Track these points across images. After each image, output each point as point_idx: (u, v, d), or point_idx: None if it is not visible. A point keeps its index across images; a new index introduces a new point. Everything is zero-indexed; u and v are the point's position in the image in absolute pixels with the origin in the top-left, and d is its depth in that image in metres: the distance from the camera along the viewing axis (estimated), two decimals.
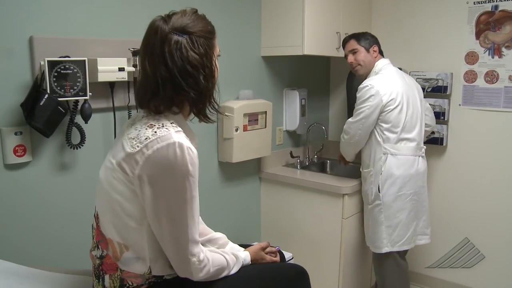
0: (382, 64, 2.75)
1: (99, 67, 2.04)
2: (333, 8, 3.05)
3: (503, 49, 2.94)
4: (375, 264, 2.90)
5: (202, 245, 1.49)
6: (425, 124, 2.83)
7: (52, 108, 1.89)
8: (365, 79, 2.73)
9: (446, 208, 3.25)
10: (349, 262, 2.94)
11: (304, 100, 3.36)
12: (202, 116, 1.48)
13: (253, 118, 2.92)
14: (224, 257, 1.54)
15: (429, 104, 3.04)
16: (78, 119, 2.08)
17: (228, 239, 1.83)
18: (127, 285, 1.45)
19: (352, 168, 3.27)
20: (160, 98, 1.38)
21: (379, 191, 2.66)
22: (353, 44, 2.79)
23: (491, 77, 3.00)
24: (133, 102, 2.28)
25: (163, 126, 1.36)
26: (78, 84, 1.98)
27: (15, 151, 1.93)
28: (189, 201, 1.36)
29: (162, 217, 1.35)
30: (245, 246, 1.80)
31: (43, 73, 1.89)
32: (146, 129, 1.36)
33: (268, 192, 3.23)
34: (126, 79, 2.16)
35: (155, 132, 1.34)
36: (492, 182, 3.06)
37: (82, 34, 2.12)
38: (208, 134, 2.81)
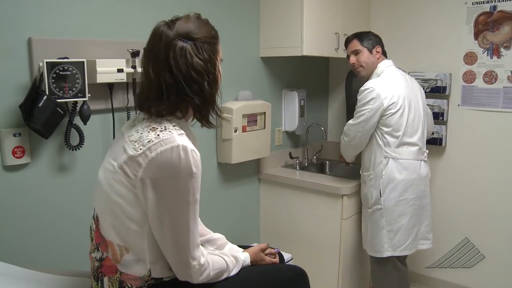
0: (385, 65, 2.71)
1: (98, 68, 2.04)
2: (332, 9, 3.05)
3: (502, 49, 2.94)
4: (373, 269, 2.86)
5: (201, 245, 1.49)
6: None
7: (51, 110, 1.89)
8: (367, 80, 2.70)
9: (446, 208, 3.25)
10: (348, 263, 2.94)
11: (303, 101, 3.36)
12: (205, 122, 1.49)
13: (252, 119, 2.91)
14: (224, 259, 1.54)
15: (428, 104, 3.04)
16: (77, 120, 2.07)
17: (227, 240, 1.83)
18: (126, 287, 1.45)
19: (351, 169, 3.27)
20: (163, 103, 1.38)
21: (380, 195, 2.63)
22: (355, 44, 2.76)
23: (490, 77, 3.00)
24: (132, 103, 2.28)
25: (165, 129, 1.36)
26: (77, 85, 1.97)
27: (13, 153, 1.93)
28: (191, 203, 1.36)
29: (164, 220, 1.35)
30: (244, 247, 1.80)
31: (41, 74, 1.89)
32: (149, 132, 1.36)
33: (267, 193, 3.23)
34: (125, 80, 2.16)
35: (158, 135, 1.34)
36: (492, 182, 3.06)
37: (81, 35, 2.11)
38: (207, 135, 2.80)
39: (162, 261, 1.45)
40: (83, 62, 1.99)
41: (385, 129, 2.60)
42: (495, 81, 2.98)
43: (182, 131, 1.38)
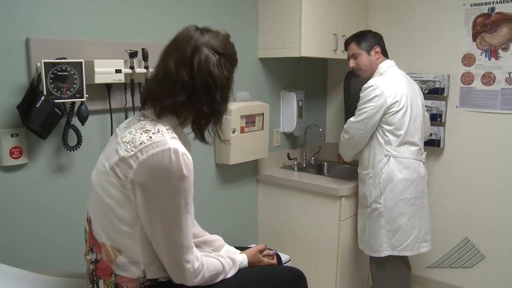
0: (387, 65, 2.70)
1: (96, 69, 2.04)
2: (330, 10, 3.05)
3: (500, 51, 2.95)
4: (373, 269, 2.85)
5: (198, 247, 1.49)
6: None
7: (48, 110, 1.88)
8: (368, 80, 2.68)
9: (445, 209, 3.25)
10: (346, 264, 2.94)
11: (301, 102, 3.36)
12: (199, 134, 1.52)
13: (250, 120, 2.91)
14: (220, 261, 1.54)
15: (426, 105, 3.04)
16: (75, 121, 2.07)
17: (225, 241, 1.83)
18: None
19: (349, 170, 3.27)
20: (171, 99, 1.40)
21: (380, 194, 2.62)
22: (353, 48, 2.73)
23: (488, 79, 3.00)
24: (129, 104, 2.28)
25: (158, 132, 1.36)
26: (74, 86, 1.97)
27: (11, 153, 1.92)
28: (183, 207, 1.36)
29: (156, 223, 1.35)
30: (242, 248, 1.80)
31: (39, 75, 1.88)
32: (141, 133, 1.36)
33: (265, 194, 3.22)
34: (123, 81, 2.15)
35: (150, 137, 1.34)
36: (491, 183, 3.06)
37: (79, 35, 2.11)
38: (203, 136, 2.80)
39: (157, 262, 1.44)
40: (81, 62, 1.99)
41: (387, 127, 2.59)
42: (493, 83, 2.99)
43: (175, 135, 1.39)
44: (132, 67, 2.18)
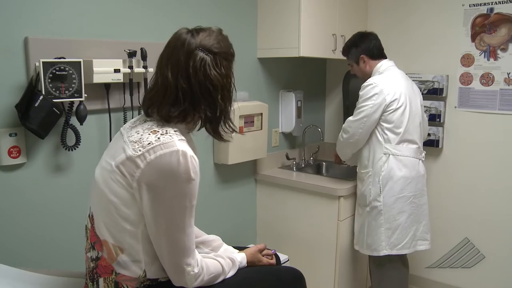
0: (386, 65, 2.71)
1: (94, 69, 2.04)
2: (329, 10, 3.05)
3: (499, 51, 2.95)
4: (372, 269, 2.85)
5: (196, 247, 1.48)
6: None
7: (47, 110, 1.88)
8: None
9: (445, 209, 3.25)
10: (344, 264, 2.94)
11: (300, 102, 3.36)
12: (214, 133, 1.52)
13: (249, 120, 2.91)
14: (220, 262, 1.54)
15: (425, 106, 3.04)
16: (73, 120, 2.07)
17: (224, 241, 1.83)
18: None
19: (348, 170, 3.27)
20: (176, 109, 1.40)
21: (380, 192, 2.62)
22: (347, 59, 2.85)
23: (487, 79, 3.00)
24: (128, 103, 2.28)
25: (166, 133, 1.37)
26: (73, 85, 1.97)
27: (9, 153, 1.92)
28: (188, 209, 1.37)
29: (160, 224, 1.36)
30: (240, 248, 1.80)
31: (38, 74, 1.88)
32: (149, 134, 1.37)
33: (264, 194, 3.22)
34: (122, 80, 2.15)
35: (159, 138, 1.35)
36: (490, 183, 3.07)
37: (78, 35, 2.11)
38: (204, 136, 2.79)
39: (158, 262, 1.45)
40: (80, 62, 1.98)
41: (386, 125, 2.59)
42: (492, 83, 2.99)
43: (183, 137, 1.39)
44: (130, 67, 2.18)
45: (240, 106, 2.81)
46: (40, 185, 2.06)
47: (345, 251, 2.92)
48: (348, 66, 2.89)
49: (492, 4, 2.94)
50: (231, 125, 1.53)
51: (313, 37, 2.95)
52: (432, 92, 3.16)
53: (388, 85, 2.57)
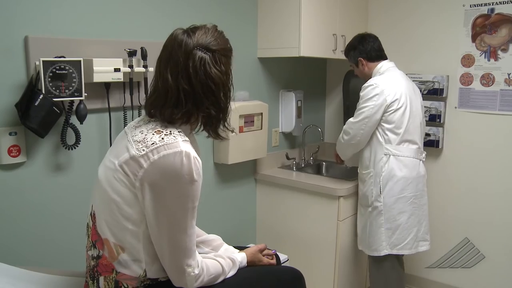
0: (387, 66, 2.72)
1: (94, 68, 2.04)
2: (329, 10, 3.05)
3: (499, 52, 2.95)
4: (371, 269, 2.85)
5: (196, 246, 1.48)
6: None
7: (47, 109, 1.88)
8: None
9: (445, 209, 3.25)
10: (344, 264, 2.94)
11: (300, 102, 3.36)
12: (214, 133, 1.52)
13: (249, 120, 2.91)
14: (220, 263, 1.54)
15: (425, 106, 3.04)
16: (73, 119, 2.07)
17: (224, 240, 1.83)
18: (122, 287, 1.44)
19: (348, 170, 3.27)
20: (180, 111, 1.39)
21: (380, 192, 2.63)
22: (348, 62, 2.88)
23: (487, 80, 3.00)
24: (128, 103, 2.27)
25: (170, 134, 1.37)
26: (73, 84, 1.97)
27: (9, 152, 1.92)
28: (190, 210, 1.37)
29: (161, 224, 1.36)
30: (240, 248, 1.80)
31: (38, 73, 1.88)
32: (153, 134, 1.37)
33: (263, 194, 3.22)
34: (122, 79, 2.15)
35: (163, 138, 1.35)
36: (490, 183, 3.07)
37: (78, 34, 2.11)
38: (204, 135, 2.79)
39: (158, 262, 1.45)
40: (80, 61, 1.98)
41: (387, 125, 2.60)
42: (492, 84, 2.99)
43: (186, 138, 1.39)
44: (131, 66, 2.18)
45: (240, 106, 2.81)
46: (40, 184, 2.06)
47: (345, 251, 2.92)
48: (351, 67, 2.91)
49: (492, 4, 2.93)
50: (228, 123, 1.53)
51: (314, 37, 2.95)
52: (432, 93, 3.16)
53: (389, 85, 2.57)
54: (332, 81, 3.79)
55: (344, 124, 2.75)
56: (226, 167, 2.94)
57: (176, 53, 1.38)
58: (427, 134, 3.13)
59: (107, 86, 2.19)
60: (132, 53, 2.17)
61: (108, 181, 1.41)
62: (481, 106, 3.05)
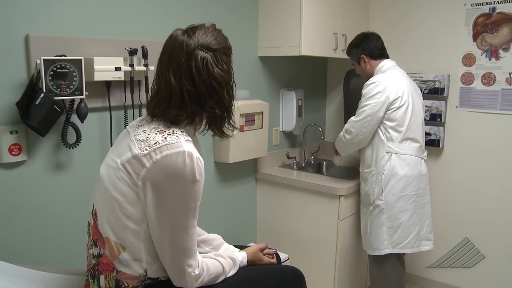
0: (389, 65, 2.72)
1: (95, 66, 2.03)
2: (330, 9, 3.05)
3: (500, 51, 2.94)
4: (372, 268, 2.84)
5: (197, 245, 1.48)
6: None
7: (48, 107, 1.88)
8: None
9: (445, 209, 3.25)
10: (345, 263, 2.94)
11: (300, 101, 3.36)
12: (219, 132, 1.51)
13: (249, 119, 2.91)
14: (220, 262, 1.54)
15: (426, 105, 3.04)
16: (74, 118, 2.07)
17: (224, 240, 1.83)
18: (123, 286, 1.45)
19: (349, 169, 3.27)
20: (184, 112, 1.39)
21: (382, 191, 2.62)
22: (350, 59, 2.87)
23: (488, 79, 3.00)
24: (129, 101, 2.27)
25: (173, 133, 1.37)
26: (74, 83, 1.97)
27: (10, 150, 1.92)
28: (192, 210, 1.37)
29: (163, 223, 1.36)
30: (240, 247, 1.80)
31: (39, 72, 1.88)
32: (156, 133, 1.37)
33: (264, 193, 3.22)
34: (123, 78, 2.15)
35: (165, 138, 1.35)
36: (490, 183, 3.07)
37: (79, 33, 2.10)
38: (204, 135, 2.80)
39: (159, 261, 1.45)
40: (81, 60, 1.98)
41: (389, 123, 2.59)
42: (493, 83, 2.98)
43: (189, 138, 1.39)
44: (131, 65, 2.17)
45: (240, 105, 2.80)
46: (41, 183, 2.06)
47: (345, 250, 2.92)
48: (352, 66, 2.91)
49: (494, 3, 2.93)
50: (233, 120, 1.53)
51: (314, 36, 2.94)
52: (433, 92, 3.16)
53: (391, 83, 2.57)
54: (332, 80, 3.79)
55: (345, 123, 2.75)
56: (226, 166, 2.94)
57: (178, 54, 1.38)
58: (428, 134, 3.13)
59: (108, 85, 2.19)
60: (133, 52, 2.17)
61: (110, 180, 1.41)
62: (482, 105, 3.05)
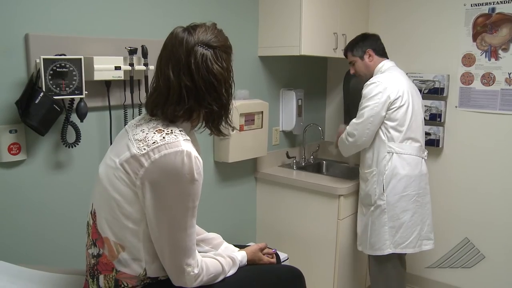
0: (388, 65, 2.72)
1: (95, 66, 2.03)
2: (330, 9, 3.05)
3: (500, 51, 2.94)
4: (373, 268, 2.83)
5: (196, 245, 1.48)
6: None
7: (47, 106, 1.88)
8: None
9: (445, 209, 3.25)
10: (344, 263, 2.94)
11: (300, 101, 3.36)
12: (215, 130, 1.51)
13: (249, 118, 2.91)
14: (220, 262, 1.54)
15: (426, 105, 3.04)
16: (74, 117, 2.07)
17: (223, 239, 1.83)
18: (122, 285, 1.45)
19: (349, 169, 3.27)
20: (182, 108, 1.39)
21: (383, 191, 2.62)
22: (349, 56, 2.82)
23: (488, 79, 3.00)
24: (129, 101, 2.27)
25: (172, 133, 1.37)
26: (74, 82, 1.96)
27: (9, 149, 1.92)
28: (190, 209, 1.37)
29: (162, 223, 1.36)
30: (240, 246, 1.80)
31: (38, 71, 1.88)
32: (154, 133, 1.37)
33: (264, 193, 3.22)
34: (122, 77, 2.15)
35: (164, 137, 1.35)
36: (490, 183, 3.07)
37: (79, 32, 2.10)
38: (204, 134, 2.79)
39: (158, 261, 1.44)
40: (81, 59, 1.98)
41: (390, 123, 2.59)
42: (493, 83, 2.99)
43: (188, 137, 1.39)
44: (131, 64, 2.17)
45: (240, 105, 2.80)
46: (40, 182, 2.05)
47: (345, 250, 2.92)
48: (350, 65, 2.87)
49: (493, 4, 2.93)
50: (230, 120, 1.53)
51: (314, 36, 2.94)
52: (433, 92, 3.16)
53: (392, 83, 2.57)
54: (332, 80, 3.79)
55: (345, 123, 2.74)
56: (226, 165, 2.94)
57: (177, 50, 1.38)
58: (428, 133, 3.13)
59: (107, 84, 2.19)
60: (132, 51, 2.17)
61: (108, 180, 1.40)
62: (482, 105, 3.05)
